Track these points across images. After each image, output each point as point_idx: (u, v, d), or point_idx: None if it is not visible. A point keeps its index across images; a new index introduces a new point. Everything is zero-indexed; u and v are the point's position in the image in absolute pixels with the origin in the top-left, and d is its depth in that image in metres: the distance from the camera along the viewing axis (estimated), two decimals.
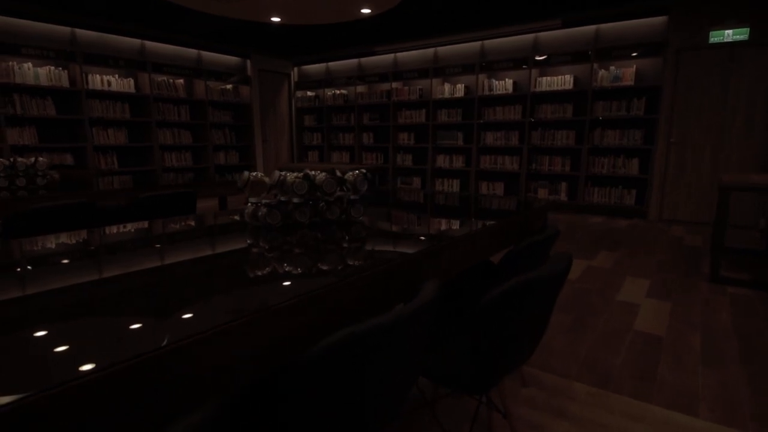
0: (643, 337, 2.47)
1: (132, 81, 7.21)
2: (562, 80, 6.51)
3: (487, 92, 7.19)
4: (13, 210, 2.15)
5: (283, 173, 1.49)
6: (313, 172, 1.52)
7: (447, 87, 7.61)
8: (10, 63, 5.99)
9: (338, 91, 9.07)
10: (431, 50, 7.81)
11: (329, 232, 1.40)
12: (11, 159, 2.57)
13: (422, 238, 1.34)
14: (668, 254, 4.21)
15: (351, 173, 1.52)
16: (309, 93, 9.60)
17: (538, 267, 1.79)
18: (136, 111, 7.40)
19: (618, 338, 2.46)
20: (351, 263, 1.05)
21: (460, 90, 7.46)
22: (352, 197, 1.52)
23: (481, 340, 1.08)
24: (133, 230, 1.49)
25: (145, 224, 1.62)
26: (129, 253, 1.18)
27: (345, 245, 1.24)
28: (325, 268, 1.01)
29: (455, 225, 1.59)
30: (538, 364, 2.18)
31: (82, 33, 6.66)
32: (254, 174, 1.42)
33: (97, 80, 6.80)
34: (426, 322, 0.91)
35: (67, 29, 6.51)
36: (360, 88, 8.74)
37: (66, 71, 6.50)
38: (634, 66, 6.01)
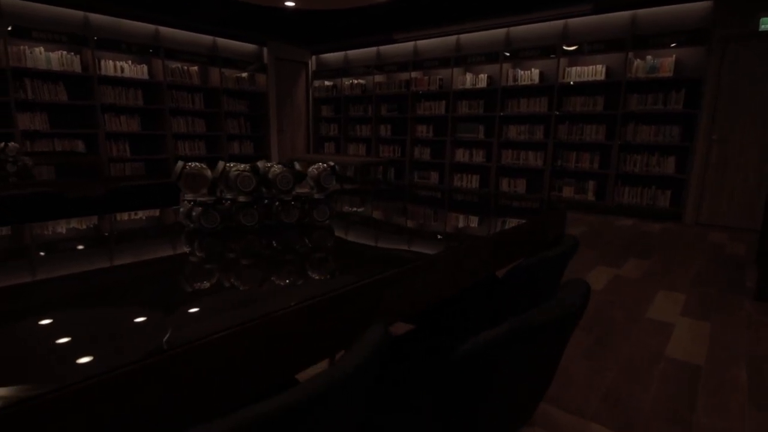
0: (677, 367, 2.10)
1: (145, 67, 7.07)
2: (593, 70, 6.03)
3: (511, 83, 6.76)
4: None
5: (230, 164, 1.21)
6: (269, 164, 1.23)
7: (469, 77, 7.21)
8: (21, 47, 5.91)
9: (356, 81, 8.76)
10: (453, 38, 7.41)
11: (281, 239, 1.11)
12: None
13: (394, 254, 1.04)
14: (707, 264, 3.78)
15: (315, 167, 1.23)
16: (327, 82, 9.33)
17: (548, 290, 1.46)
18: (150, 98, 7.27)
19: (647, 367, 2.10)
20: (272, 295, 0.76)
21: (482, 80, 7.06)
22: (316, 196, 1.22)
23: (451, 407, 0.78)
24: (63, 228, 1.23)
25: (84, 221, 1.37)
26: (24, 257, 0.92)
27: (281, 262, 0.95)
28: (236, 300, 0.72)
29: (447, 236, 1.28)
30: (548, 395, 1.85)
31: (95, 17, 6.54)
32: (191, 164, 1.14)
33: (110, 66, 6.68)
34: (358, 388, 0.61)
35: (80, 13, 6.40)
36: (378, 78, 8.42)
37: (78, 56, 6.39)
38: (674, 56, 5.50)
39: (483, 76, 7.04)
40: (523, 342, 0.75)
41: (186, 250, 1.01)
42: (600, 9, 5.87)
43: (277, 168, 1.16)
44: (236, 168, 1.15)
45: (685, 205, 5.54)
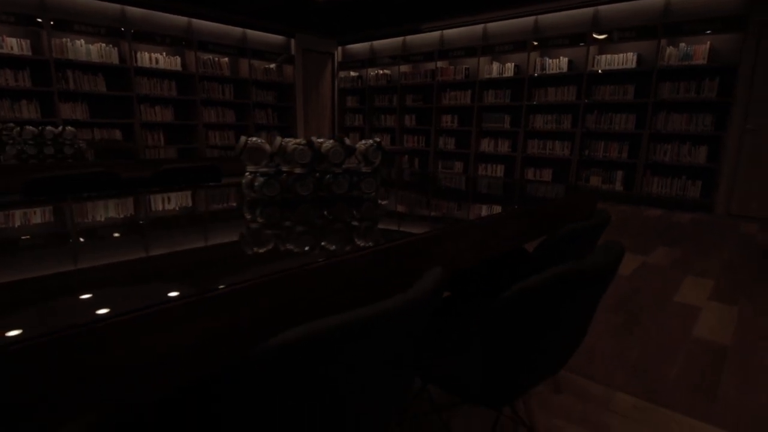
0: (704, 346, 2.15)
1: (179, 59, 7.29)
2: (623, 58, 5.96)
3: (539, 72, 6.73)
4: (32, 176, 2.12)
5: (286, 140, 1.32)
6: (320, 140, 1.34)
7: (495, 66, 7.20)
8: (64, 39, 6.18)
9: (381, 71, 8.83)
10: (480, 26, 7.41)
11: (333, 208, 1.22)
12: (39, 128, 2.57)
13: (435, 220, 1.13)
14: (737, 253, 3.75)
15: (363, 142, 1.33)
16: (352, 73, 9.43)
17: (580, 258, 1.54)
18: (183, 89, 7.50)
19: (674, 346, 2.15)
20: (337, 245, 0.86)
21: (509, 69, 7.04)
22: (363, 170, 1.33)
23: (494, 347, 0.87)
24: (125, 201, 1.37)
25: (143, 194, 1.51)
26: (99, 226, 1.05)
27: (342, 224, 1.05)
28: (306, 248, 0.83)
29: (481, 209, 1.37)
30: (575, 367, 1.93)
31: (131, 10, 6.77)
32: (252, 139, 1.26)
33: (146, 57, 6.92)
34: (420, 318, 0.71)
35: (117, 6, 6.64)
36: (404, 68, 8.47)
37: (116, 48, 6.65)
38: (708, 43, 5.39)
39: (510, 65, 7.02)
40: (558, 290, 0.84)
41: (265, 214, 1.13)
42: None
43: (329, 143, 1.27)
44: (293, 142, 1.27)
45: (716, 195, 5.46)
